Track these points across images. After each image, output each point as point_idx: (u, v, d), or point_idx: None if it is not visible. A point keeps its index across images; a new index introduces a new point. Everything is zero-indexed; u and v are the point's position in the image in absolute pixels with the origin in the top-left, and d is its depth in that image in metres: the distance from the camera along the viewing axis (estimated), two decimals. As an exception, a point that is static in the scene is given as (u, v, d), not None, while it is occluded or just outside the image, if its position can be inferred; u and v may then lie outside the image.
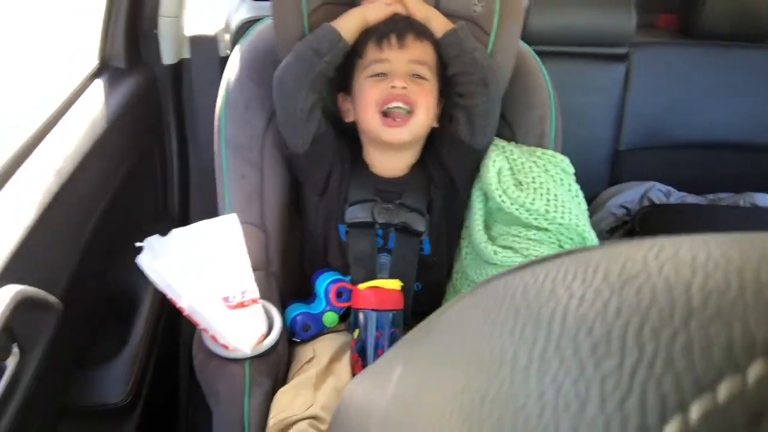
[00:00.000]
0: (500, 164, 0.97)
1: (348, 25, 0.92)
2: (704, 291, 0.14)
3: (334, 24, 0.92)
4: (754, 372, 0.11)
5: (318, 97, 0.93)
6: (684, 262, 0.15)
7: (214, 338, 0.81)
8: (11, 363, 0.68)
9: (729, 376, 0.12)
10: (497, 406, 0.14)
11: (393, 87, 0.90)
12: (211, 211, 0.96)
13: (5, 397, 0.67)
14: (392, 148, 0.97)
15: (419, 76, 0.93)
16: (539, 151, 1.00)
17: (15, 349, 0.69)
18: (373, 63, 0.92)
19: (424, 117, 0.93)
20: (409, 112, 0.91)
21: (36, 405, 0.72)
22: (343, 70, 0.96)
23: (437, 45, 0.95)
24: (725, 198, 1.66)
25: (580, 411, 0.13)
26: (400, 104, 0.90)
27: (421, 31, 0.93)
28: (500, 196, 0.94)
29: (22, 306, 0.67)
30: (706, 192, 1.67)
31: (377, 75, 0.92)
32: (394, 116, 0.91)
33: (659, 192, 1.65)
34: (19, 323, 0.68)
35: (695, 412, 0.11)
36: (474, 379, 0.16)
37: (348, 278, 0.96)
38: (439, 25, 0.95)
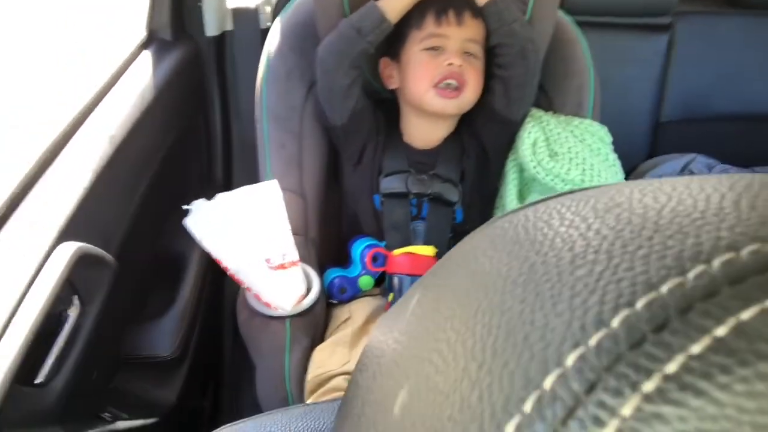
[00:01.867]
0: (536, 135, 0.97)
1: (394, 5, 0.92)
2: (673, 213, 0.16)
3: (380, 4, 0.92)
4: (693, 274, 0.14)
5: (358, 74, 0.95)
6: (663, 192, 0.17)
7: (257, 297, 0.86)
8: (73, 313, 0.74)
9: (673, 278, 0.14)
10: (488, 312, 0.17)
11: (450, 64, 0.92)
12: (252, 178, 0.99)
13: (69, 343, 0.73)
14: (434, 117, 0.99)
15: (472, 55, 0.94)
16: (576, 120, 1.00)
17: (76, 301, 0.75)
18: (431, 37, 0.93)
19: (471, 95, 0.95)
20: (457, 89, 0.93)
21: (95, 353, 0.78)
22: (389, 37, 0.96)
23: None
24: (769, 172, 1.63)
25: (552, 308, 0.15)
26: (453, 81, 0.92)
27: (476, 9, 0.94)
28: (535, 167, 0.95)
29: (81, 261, 0.73)
30: (750, 165, 1.64)
31: (432, 48, 0.93)
32: (446, 89, 0.93)
33: (701, 164, 1.62)
34: (79, 277, 0.73)
35: (640, 304, 0.14)
36: (473, 294, 0.18)
37: (383, 243, 0.99)
38: None
